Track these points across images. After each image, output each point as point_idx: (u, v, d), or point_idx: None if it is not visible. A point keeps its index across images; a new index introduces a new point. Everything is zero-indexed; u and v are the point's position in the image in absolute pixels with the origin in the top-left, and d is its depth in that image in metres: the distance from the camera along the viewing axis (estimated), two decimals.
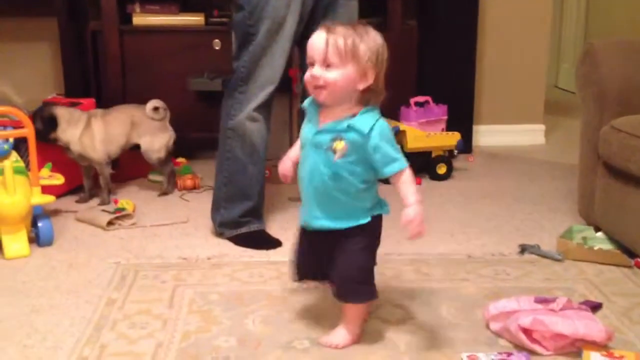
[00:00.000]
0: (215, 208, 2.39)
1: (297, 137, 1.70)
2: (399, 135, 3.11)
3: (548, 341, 1.65)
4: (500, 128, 3.77)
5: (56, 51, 3.43)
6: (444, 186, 3.07)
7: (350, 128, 1.55)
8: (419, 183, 3.05)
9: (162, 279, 2.07)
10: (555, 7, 4.54)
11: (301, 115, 1.70)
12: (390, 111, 3.21)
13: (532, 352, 1.65)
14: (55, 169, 2.60)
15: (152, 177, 3.06)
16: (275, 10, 2.15)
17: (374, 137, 1.53)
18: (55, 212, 2.63)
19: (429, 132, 3.15)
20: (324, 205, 1.61)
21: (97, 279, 2.07)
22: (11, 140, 2.34)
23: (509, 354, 1.63)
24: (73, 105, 2.89)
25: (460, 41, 3.47)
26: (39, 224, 2.32)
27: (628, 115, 2.23)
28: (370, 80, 1.55)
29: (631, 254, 2.17)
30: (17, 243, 2.24)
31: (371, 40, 1.55)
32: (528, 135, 3.81)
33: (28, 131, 2.30)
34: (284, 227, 2.47)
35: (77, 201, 2.78)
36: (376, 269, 1.66)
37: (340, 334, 1.69)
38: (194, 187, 2.95)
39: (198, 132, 3.23)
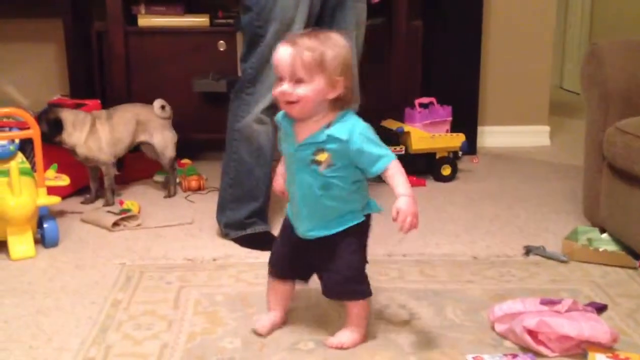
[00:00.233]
0: (221, 209, 2.39)
1: None
2: (404, 137, 3.11)
3: (553, 343, 1.65)
4: (504, 129, 3.77)
5: (61, 52, 3.44)
6: (449, 187, 3.07)
7: (329, 138, 1.56)
8: (423, 184, 3.05)
9: (167, 280, 2.07)
10: (560, 8, 4.54)
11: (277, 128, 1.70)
12: (395, 112, 3.22)
13: (537, 354, 1.65)
14: (61, 170, 2.60)
15: (157, 178, 3.07)
16: (283, 12, 2.15)
17: (354, 142, 1.54)
18: (61, 213, 2.63)
19: (433, 134, 3.14)
20: (317, 216, 1.63)
21: (103, 280, 2.08)
22: (17, 141, 2.35)
23: (514, 356, 1.63)
24: (78, 106, 2.89)
25: (464, 42, 3.47)
26: (45, 225, 2.33)
27: (633, 116, 2.22)
28: (340, 89, 1.55)
29: (636, 256, 2.16)
30: (23, 244, 2.25)
31: (337, 49, 1.55)
32: (533, 136, 3.80)
33: (34, 132, 2.30)
34: None
35: (82, 202, 2.78)
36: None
37: (346, 335, 1.69)
38: (199, 189, 2.95)
39: (203, 134, 3.23)
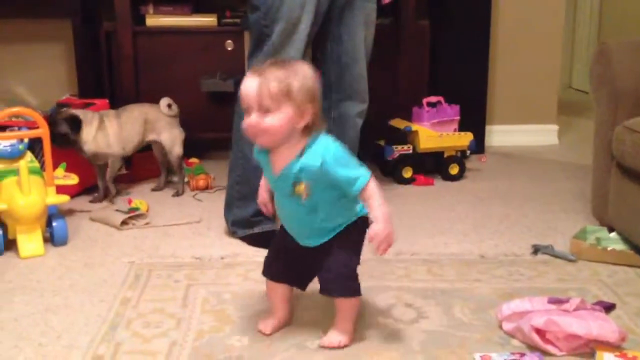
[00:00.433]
0: (228, 207, 2.40)
1: None
2: (411, 136, 3.11)
3: (561, 342, 1.65)
4: (513, 128, 3.76)
5: (70, 52, 3.45)
6: (457, 186, 3.07)
7: (303, 167, 1.57)
8: (431, 183, 3.05)
9: (175, 278, 2.08)
10: (569, 7, 4.53)
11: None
12: (403, 111, 3.22)
13: (545, 353, 1.64)
14: (70, 169, 2.61)
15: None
16: (290, 11, 2.15)
17: (328, 168, 1.55)
18: (70, 212, 2.64)
19: (441, 133, 3.14)
20: (309, 232, 1.67)
21: (112, 278, 2.09)
22: (26, 140, 2.36)
23: (522, 355, 1.63)
24: (87, 105, 2.91)
25: (472, 41, 3.47)
26: (54, 224, 2.34)
27: None
28: (308, 118, 1.56)
29: None
30: (32, 243, 2.26)
31: (303, 78, 1.55)
32: (541, 135, 3.79)
33: (43, 131, 2.31)
34: None
35: (91, 201, 2.80)
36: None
37: (334, 335, 1.69)
38: (207, 187, 2.96)
39: (210, 133, 3.24)
